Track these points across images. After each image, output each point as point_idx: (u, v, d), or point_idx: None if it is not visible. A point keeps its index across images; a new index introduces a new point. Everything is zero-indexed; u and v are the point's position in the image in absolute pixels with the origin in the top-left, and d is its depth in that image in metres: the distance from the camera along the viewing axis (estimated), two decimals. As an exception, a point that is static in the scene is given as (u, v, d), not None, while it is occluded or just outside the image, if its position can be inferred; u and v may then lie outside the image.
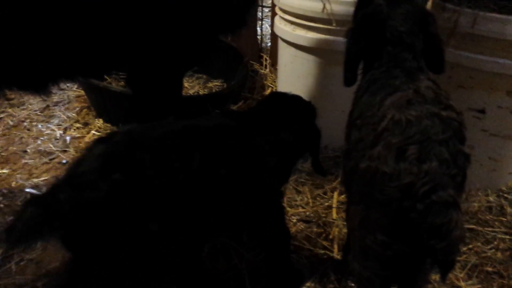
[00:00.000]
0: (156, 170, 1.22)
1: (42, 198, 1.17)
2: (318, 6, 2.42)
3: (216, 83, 3.31)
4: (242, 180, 1.41)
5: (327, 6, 2.40)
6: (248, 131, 1.50)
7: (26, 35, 1.54)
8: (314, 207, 2.13)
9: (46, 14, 1.53)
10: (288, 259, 1.70)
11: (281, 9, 2.68)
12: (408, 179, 1.09)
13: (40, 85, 1.77)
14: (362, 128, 1.30)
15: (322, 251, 1.90)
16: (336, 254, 1.88)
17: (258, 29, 3.56)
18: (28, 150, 2.55)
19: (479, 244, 1.96)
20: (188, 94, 3.07)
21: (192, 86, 3.25)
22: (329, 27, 2.43)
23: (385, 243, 1.16)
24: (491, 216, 2.11)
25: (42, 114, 2.93)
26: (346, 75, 1.55)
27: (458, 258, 1.90)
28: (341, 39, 2.42)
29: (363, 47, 1.51)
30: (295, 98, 1.73)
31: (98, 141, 1.30)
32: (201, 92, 3.20)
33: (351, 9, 2.35)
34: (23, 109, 2.97)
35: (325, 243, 1.93)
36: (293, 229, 1.99)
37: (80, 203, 1.13)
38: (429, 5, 2.40)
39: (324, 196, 2.22)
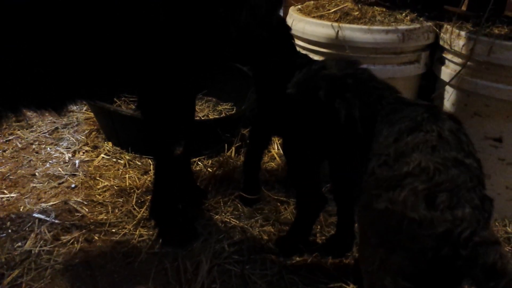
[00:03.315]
0: None
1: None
2: (332, 32, 2.42)
3: (226, 106, 3.30)
4: None
5: (340, 32, 2.40)
6: None
7: (45, 55, 1.56)
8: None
9: (64, 38, 1.54)
10: None
11: (293, 35, 2.67)
12: (444, 227, 1.08)
13: (58, 105, 1.77)
14: (373, 158, 1.29)
15: (338, 284, 1.84)
16: (353, 287, 1.83)
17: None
18: (37, 174, 2.52)
19: (498, 277, 1.90)
20: (198, 118, 3.05)
21: (201, 109, 3.24)
22: (342, 53, 2.42)
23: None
24: (509, 248, 2.05)
25: (51, 136, 2.91)
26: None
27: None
28: (354, 65, 2.45)
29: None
30: None
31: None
32: (210, 116, 3.18)
33: (364, 36, 2.37)
34: (32, 131, 2.95)
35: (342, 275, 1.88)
36: (308, 260, 1.94)
37: None
38: (444, 32, 2.39)
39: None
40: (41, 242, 2.01)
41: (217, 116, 3.16)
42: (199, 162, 2.63)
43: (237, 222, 2.17)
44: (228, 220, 2.18)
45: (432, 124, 1.28)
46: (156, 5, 1.55)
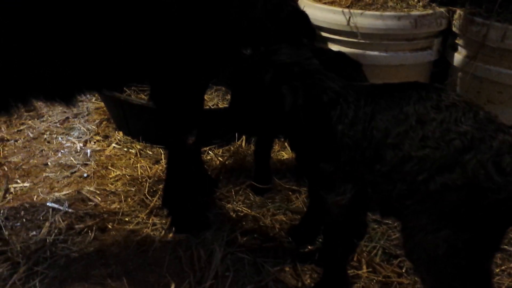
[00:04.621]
0: None
1: None
2: (343, 19, 2.40)
3: (235, 95, 3.28)
4: None
5: (352, 19, 2.38)
6: None
7: (53, 46, 1.55)
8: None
9: (73, 28, 1.53)
10: None
11: (304, 22, 2.65)
12: None
13: (67, 96, 1.77)
14: (402, 146, 1.28)
15: (351, 271, 1.85)
16: (365, 272, 1.84)
17: (277, 40, 3.53)
18: (49, 163, 2.54)
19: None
20: (208, 107, 3.05)
21: (211, 98, 3.23)
22: (354, 40, 2.40)
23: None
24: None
25: (61, 126, 2.92)
26: None
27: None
28: (366, 52, 2.42)
29: None
30: None
31: None
32: (220, 105, 3.17)
33: (376, 22, 2.35)
34: (43, 121, 2.97)
35: (353, 263, 1.89)
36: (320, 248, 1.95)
37: None
38: (456, 18, 2.36)
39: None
40: (56, 231, 2.03)
41: (227, 105, 3.15)
42: (209, 152, 2.63)
43: (249, 211, 2.18)
44: (239, 209, 2.19)
45: (443, 94, 1.31)
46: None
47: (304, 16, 2.22)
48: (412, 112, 1.30)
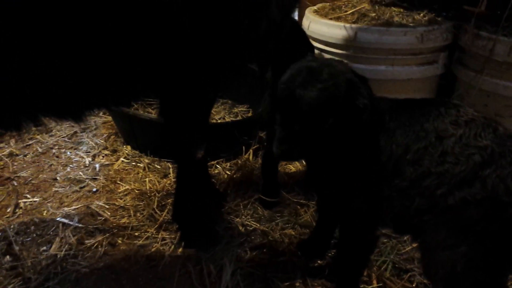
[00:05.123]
0: None
1: None
2: (349, 34, 2.42)
3: (242, 108, 3.31)
4: None
5: (358, 34, 2.40)
6: None
7: (64, 64, 1.56)
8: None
9: (82, 45, 1.55)
10: None
11: (310, 37, 2.67)
12: None
13: (76, 113, 1.78)
14: (421, 162, 1.29)
15: (361, 285, 1.85)
16: (375, 287, 1.84)
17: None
18: (58, 178, 2.55)
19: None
20: (215, 121, 3.07)
21: (217, 111, 3.25)
22: (360, 55, 2.42)
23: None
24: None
25: (70, 140, 2.94)
26: None
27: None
28: (372, 67, 2.44)
29: None
30: None
31: None
32: (227, 118, 3.19)
33: (383, 37, 2.36)
34: (51, 136, 2.99)
35: (363, 277, 1.88)
36: (330, 263, 1.95)
37: None
38: (462, 32, 2.38)
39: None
40: (66, 246, 2.03)
41: (233, 119, 3.18)
42: (217, 165, 2.64)
43: (258, 225, 2.18)
44: (248, 223, 2.19)
45: (462, 110, 1.32)
46: (182, 15, 1.56)
47: (302, 32, 2.25)
48: (432, 129, 1.31)
